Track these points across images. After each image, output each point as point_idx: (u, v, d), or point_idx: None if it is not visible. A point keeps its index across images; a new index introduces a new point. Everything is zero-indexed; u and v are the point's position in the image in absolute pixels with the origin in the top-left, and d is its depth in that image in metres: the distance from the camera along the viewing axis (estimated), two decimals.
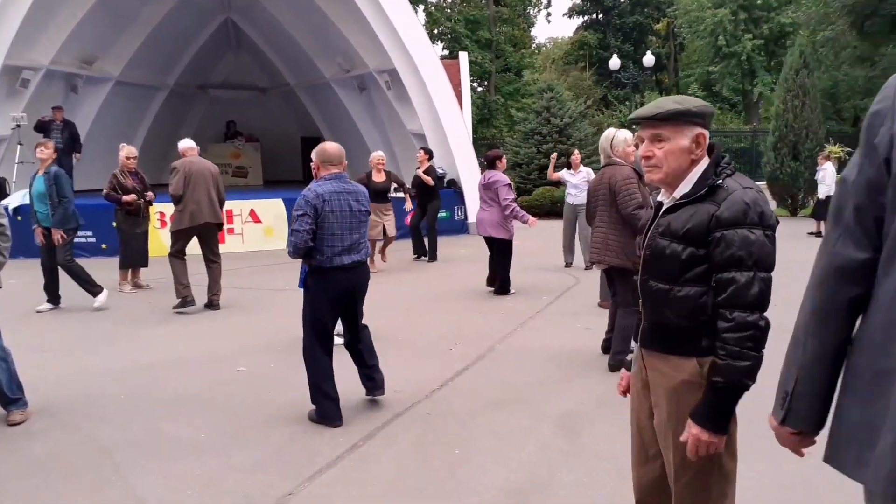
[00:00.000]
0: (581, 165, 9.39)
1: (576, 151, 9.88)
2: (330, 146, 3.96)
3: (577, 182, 9.04)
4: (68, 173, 8.29)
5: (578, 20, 43.66)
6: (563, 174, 9.38)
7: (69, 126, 12.55)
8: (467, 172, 13.48)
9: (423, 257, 10.42)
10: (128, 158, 8.01)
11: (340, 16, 13.62)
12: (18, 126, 11.96)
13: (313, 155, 4.11)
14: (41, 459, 3.70)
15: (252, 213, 12.00)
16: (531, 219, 7.61)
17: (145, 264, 8.30)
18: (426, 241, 10.39)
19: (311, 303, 3.99)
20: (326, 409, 3.99)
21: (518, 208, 7.53)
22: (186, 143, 7.36)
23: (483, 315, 6.85)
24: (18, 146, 12.08)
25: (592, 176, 7.37)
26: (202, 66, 17.56)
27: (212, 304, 7.19)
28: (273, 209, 12.09)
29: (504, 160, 8.25)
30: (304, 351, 4.09)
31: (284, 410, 4.32)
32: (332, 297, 3.94)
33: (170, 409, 4.42)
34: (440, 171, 11.92)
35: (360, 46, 13.87)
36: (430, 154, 10.62)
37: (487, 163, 8.15)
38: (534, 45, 41.65)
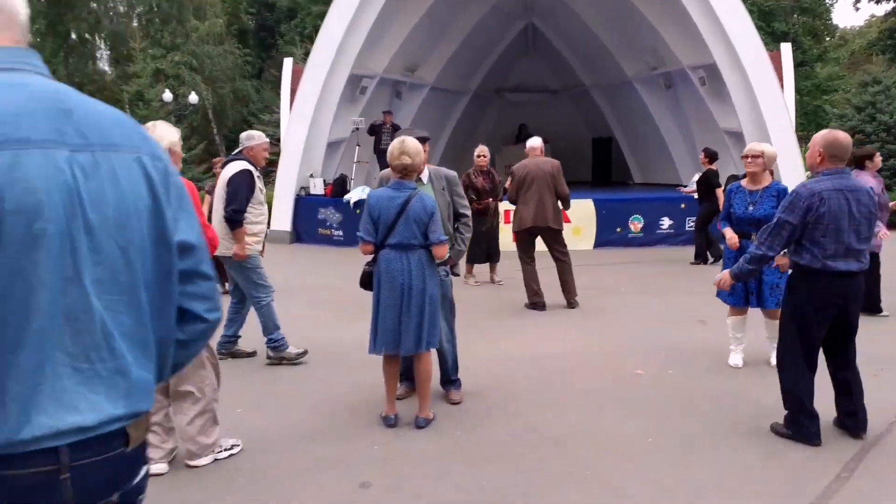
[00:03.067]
0: None
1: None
2: (843, 136, 3.54)
3: None
4: None
5: (888, 5, 38.14)
6: None
7: (396, 129, 13.68)
8: (792, 173, 12.22)
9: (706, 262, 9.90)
10: (478, 157, 8.29)
11: (654, 11, 13.16)
12: (357, 129, 13.31)
13: (819, 144, 3.57)
14: (502, 444, 3.83)
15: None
16: (883, 229, 6.32)
17: (496, 259, 8.57)
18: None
19: (794, 305, 3.67)
20: (806, 427, 3.64)
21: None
22: (530, 143, 7.35)
23: None
24: (357, 147, 13.46)
25: None
26: (500, 70, 18.22)
27: (569, 304, 7.19)
28: (583, 209, 12.00)
29: (878, 159, 7.17)
30: (780, 358, 3.79)
31: (721, 423, 4.04)
32: (818, 304, 3.56)
33: (593, 404, 4.39)
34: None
35: (674, 42, 13.28)
36: (711, 156, 10.00)
37: (855, 163, 7.12)
38: (837, 35, 37.21)
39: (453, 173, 4.51)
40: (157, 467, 3.41)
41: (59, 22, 29.08)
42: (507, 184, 7.90)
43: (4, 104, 1.09)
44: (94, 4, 32.57)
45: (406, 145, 3.91)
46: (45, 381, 1.11)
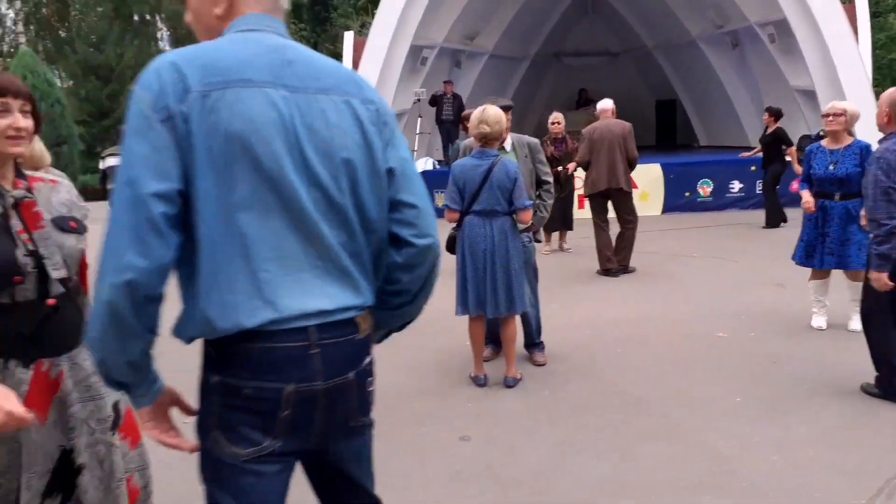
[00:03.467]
0: None
1: None
2: None
3: None
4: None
5: None
6: None
7: (457, 99, 13.72)
8: (869, 131, 11.78)
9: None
10: (552, 124, 8.30)
11: None
12: (419, 100, 13.40)
13: (886, 104, 3.57)
14: (589, 403, 3.97)
15: None
16: None
17: (569, 227, 8.62)
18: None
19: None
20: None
21: None
22: (601, 105, 7.36)
23: None
24: (419, 118, 13.58)
25: None
26: (558, 34, 17.98)
27: (624, 269, 7.22)
28: (650, 174, 11.87)
29: None
30: (866, 318, 3.81)
31: (807, 383, 4.08)
32: None
33: (675, 366, 4.47)
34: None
35: None
36: (776, 115, 9.68)
37: None
38: None
39: (536, 141, 4.60)
40: None
41: (122, 5, 29.93)
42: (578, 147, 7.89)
43: (236, 54, 1.34)
44: None
45: (485, 114, 4.01)
46: (290, 274, 1.35)
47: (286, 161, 1.32)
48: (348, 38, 14.83)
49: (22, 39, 28.92)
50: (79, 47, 27.53)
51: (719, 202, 11.88)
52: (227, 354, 1.33)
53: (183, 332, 1.38)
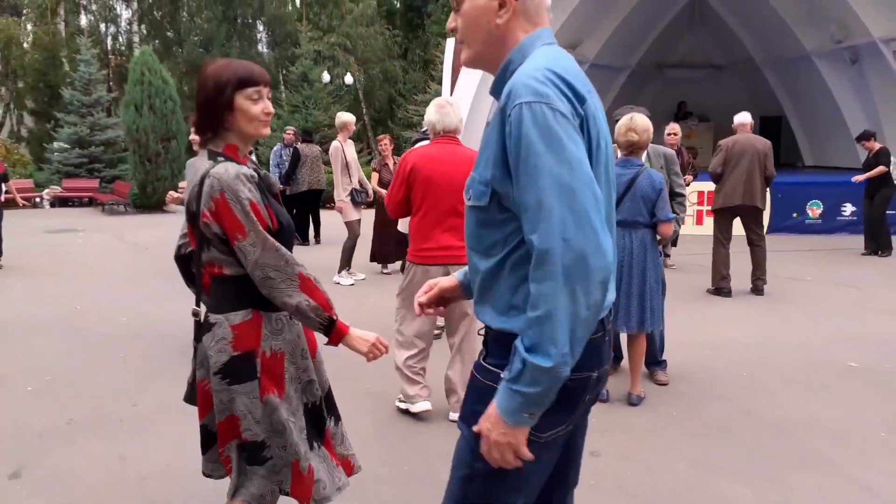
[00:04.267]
0: None
1: None
2: None
3: None
4: None
5: None
6: None
7: None
8: None
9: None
10: (668, 135, 8.12)
11: None
12: None
13: None
14: (720, 425, 3.85)
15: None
16: None
17: (675, 243, 8.42)
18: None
19: None
20: None
21: None
22: (739, 118, 7.17)
23: None
24: None
25: None
26: (662, 45, 17.60)
27: (756, 289, 6.98)
28: None
29: None
30: None
31: None
32: None
33: (807, 392, 4.28)
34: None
35: (866, 12, 12.24)
36: (867, 136, 9.38)
37: None
38: None
39: (671, 151, 4.52)
40: (423, 405, 3.84)
41: (228, 8, 31.27)
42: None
43: (574, 66, 1.43)
44: None
45: (634, 121, 3.96)
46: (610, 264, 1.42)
47: (611, 164, 1.48)
48: (450, 44, 14.96)
49: (136, 39, 30.59)
50: (187, 47, 28.93)
51: (829, 225, 11.35)
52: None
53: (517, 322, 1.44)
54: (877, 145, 9.35)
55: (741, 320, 6.10)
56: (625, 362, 4.58)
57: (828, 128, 15.16)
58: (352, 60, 30.51)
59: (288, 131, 11.37)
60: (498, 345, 1.47)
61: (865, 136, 9.51)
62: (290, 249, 1.98)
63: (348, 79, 25.72)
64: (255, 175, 1.98)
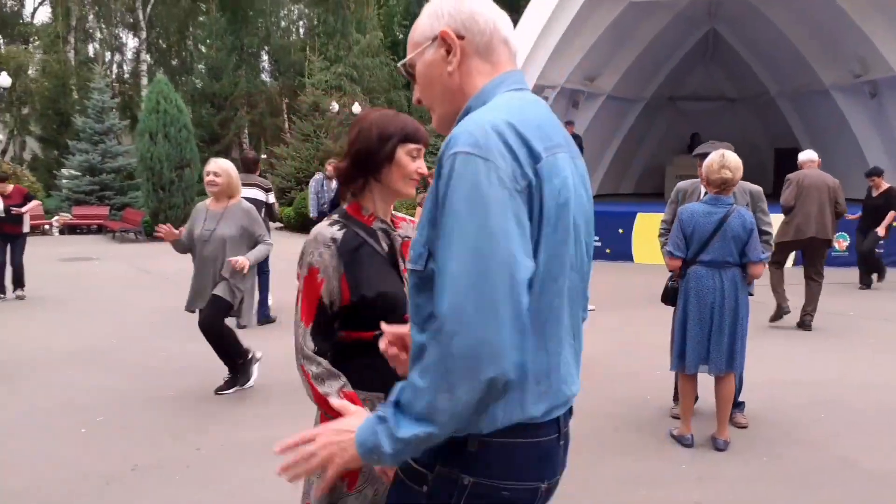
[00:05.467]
0: None
1: None
2: None
3: None
4: None
5: None
6: None
7: (577, 139, 13.64)
8: None
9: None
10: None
11: (866, 14, 12.28)
12: None
13: None
14: (819, 474, 3.67)
15: None
16: None
17: None
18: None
19: None
20: None
21: None
22: (806, 156, 7.24)
23: None
24: None
25: None
26: (676, 78, 17.72)
27: (804, 324, 6.86)
28: (775, 223, 11.34)
29: None
30: None
31: None
32: None
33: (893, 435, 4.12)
34: None
35: (888, 47, 12.32)
36: (878, 174, 9.34)
37: None
38: None
39: (758, 188, 4.41)
40: None
41: (235, 37, 31.46)
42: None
43: (539, 116, 1.24)
44: (261, 21, 35.08)
45: (727, 159, 3.85)
46: (564, 354, 1.26)
47: (581, 231, 1.27)
48: None
49: (143, 67, 30.68)
50: (197, 75, 29.03)
51: (855, 257, 11.25)
52: (491, 451, 1.19)
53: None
54: (884, 184, 9.25)
55: (797, 357, 5.95)
56: (702, 404, 4.42)
57: (846, 161, 15.14)
58: (358, 90, 30.67)
59: (330, 164, 11.31)
60: None
61: (877, 173, 9.44)
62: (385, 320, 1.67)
63: (356, 108, 25.78)
64: (340, 239, 1.82)
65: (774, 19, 14.41)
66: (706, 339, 3.85)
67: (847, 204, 6.89)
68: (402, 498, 1.28)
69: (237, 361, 4.91)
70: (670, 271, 4.04)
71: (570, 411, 1.32)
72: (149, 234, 16.71)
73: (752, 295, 4.13)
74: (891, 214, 9.06)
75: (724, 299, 3.81)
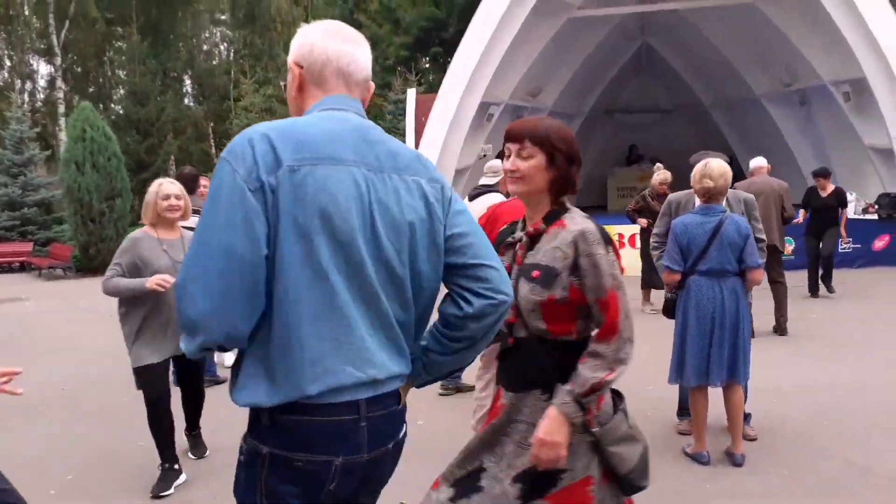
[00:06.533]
0: None
1: None
2: None
3: None
4: None
5: None
6: None
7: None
8: None
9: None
10: (660, 184, 8.18)
11: (793, 25, 12.81)
12: (485, 156, 13.31)
13: None
14: (839, 484, 3.61)
15: None
16: None
17: (657, 286, 8.34)
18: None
19: None
20: None
21: None
22: (756, 162, 7.32)
23: None
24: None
25: None
26: (612, 91, 18.09)
27: (780, 328, 6.93)
28: None
29: None
30: None
31: None
32: None
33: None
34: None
35: (814, 56, 12.86)
36: (826, 175, 9.39)
37: None
38: None
39: (751, 196, 4.38)
40: None
41: (157, 61, 30.40)
42: None
43: (325, 131, 1.43)
44: (182, 45, 34.12)
45: (709, 167, 3.81)
46: (352, 342, 1.41)
47: (358, 234, 1.41)
48: (411, 95, 14.85)
49: (60, 94, 29.23)
50: (119, 101, 27.85)
51: (802, 260, 11.60)
52: (280, 425, 1.39)
53: (242, 396, 1.40)
54: (830, 185, 9.30)
55: (784, 362, 5.97)
56: (713, 419, 4.33)
57: (779, 168, 15.71)
58: (290, 112, 30.13)
59: None
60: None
61: (824, 174, 9.43)
62: None
63: None
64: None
65: (705, 31, 14.90)
66: (706, 351, 3.76)
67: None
68: (237, 470, 1.50)
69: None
70: (668, 284, 3.95)
71: (385, 395, 1.47)
72: (79, 270, 15.77)
73: (749, 303, 4.07)
74: (845, 213, 9.26)
75: (724, 310, 3.73)
